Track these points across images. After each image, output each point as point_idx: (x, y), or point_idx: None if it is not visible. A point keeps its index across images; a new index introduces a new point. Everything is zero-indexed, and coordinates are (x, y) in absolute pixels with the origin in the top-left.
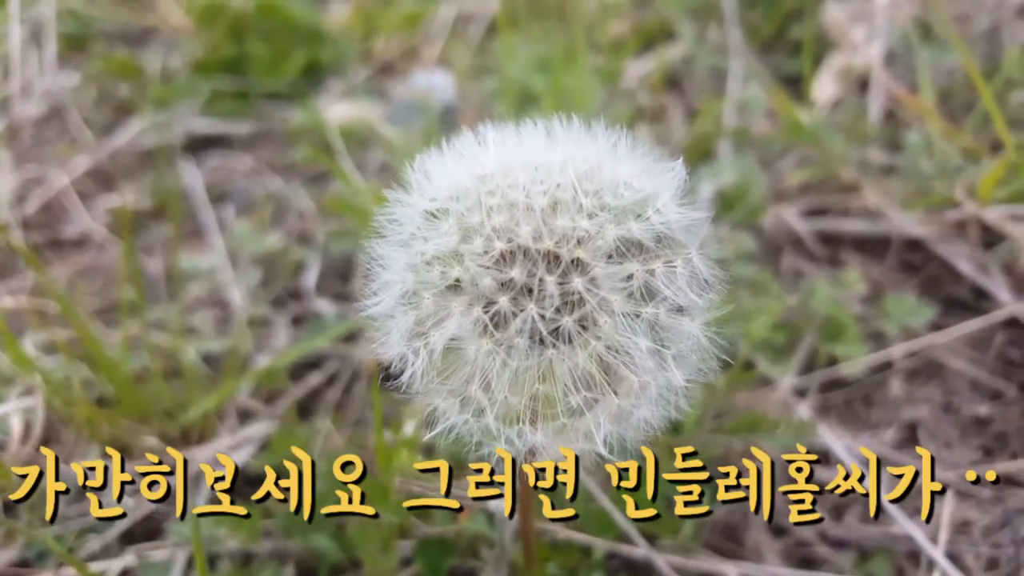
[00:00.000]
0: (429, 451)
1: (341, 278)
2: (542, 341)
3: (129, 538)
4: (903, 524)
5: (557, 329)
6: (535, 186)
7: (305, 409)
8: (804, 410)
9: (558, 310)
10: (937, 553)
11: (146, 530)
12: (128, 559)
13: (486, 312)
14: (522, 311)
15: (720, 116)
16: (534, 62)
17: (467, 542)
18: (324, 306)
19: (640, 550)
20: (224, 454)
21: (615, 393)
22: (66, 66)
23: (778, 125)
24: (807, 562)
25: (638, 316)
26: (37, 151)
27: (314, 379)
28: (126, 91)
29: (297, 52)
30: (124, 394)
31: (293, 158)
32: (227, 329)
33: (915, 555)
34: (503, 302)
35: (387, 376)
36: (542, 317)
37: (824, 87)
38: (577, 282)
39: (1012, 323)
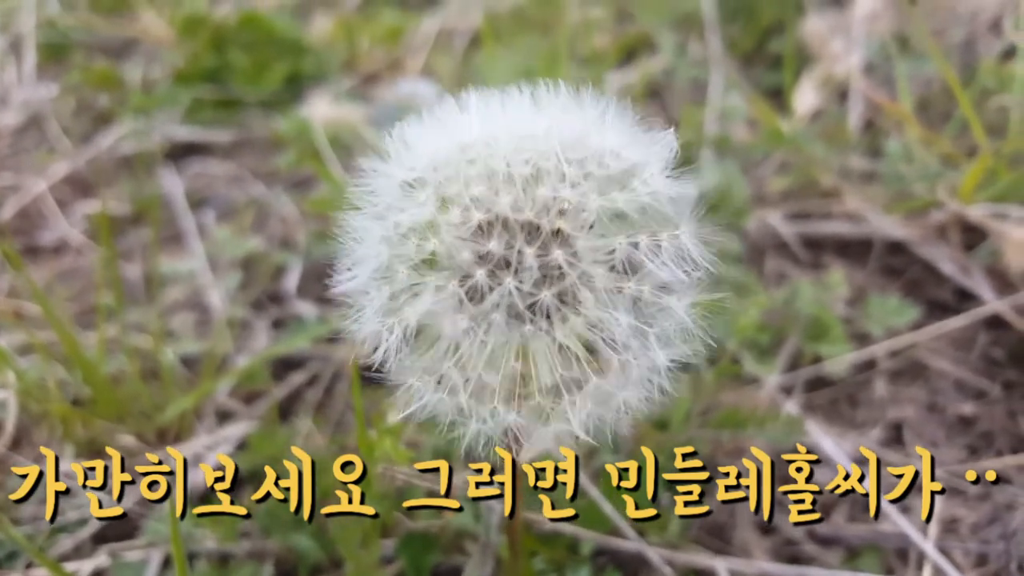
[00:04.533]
0: (413, 444)
1: (322, 281)
2: (519, 316)
3: (102, 537)
4: (894, 521)
5: (535, 304)
6: (517, 155)
7: (286, 410)
8: (791, 407)
9: (537, 284)
10: (928, 548)
11: (120, 529)
12: (101, 559)
13: (462, 286)
14: (499, 285)
15: (701, 125)
16: (516, 72)
17: (451, 537)
18: (305, 308)
19: (629, 544)
20: (200, 454)
21: (595, 373)
22: (45, 76)
23: (759, 134)
24: (795, 560)
25: (620, 291)
26: (14, 160)
27: (295, 380)
28: (106, 101)
29: (279, 63)
30: (100, 394)
31: (276, 164)
32: (206, 332)
33: (904, 552)
34: (479, 275)
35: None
36: (520, 291)
37: (804, 98)
38: (557, 254)
39: (995, 322)
